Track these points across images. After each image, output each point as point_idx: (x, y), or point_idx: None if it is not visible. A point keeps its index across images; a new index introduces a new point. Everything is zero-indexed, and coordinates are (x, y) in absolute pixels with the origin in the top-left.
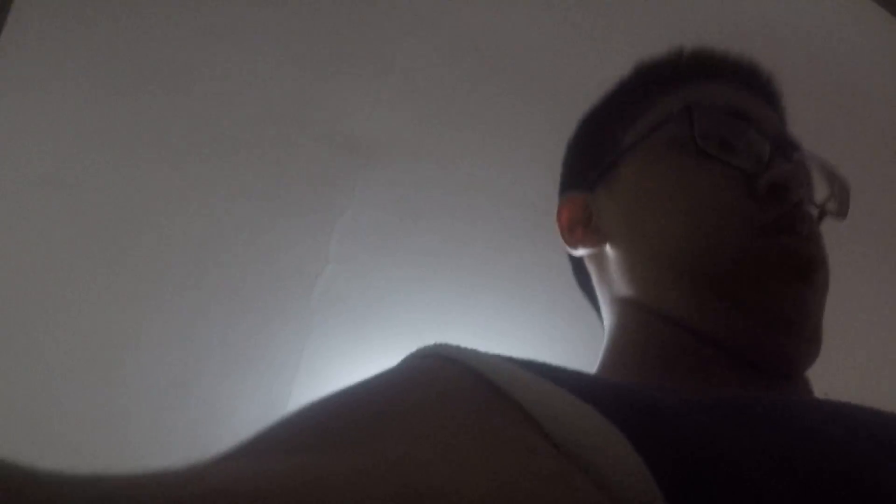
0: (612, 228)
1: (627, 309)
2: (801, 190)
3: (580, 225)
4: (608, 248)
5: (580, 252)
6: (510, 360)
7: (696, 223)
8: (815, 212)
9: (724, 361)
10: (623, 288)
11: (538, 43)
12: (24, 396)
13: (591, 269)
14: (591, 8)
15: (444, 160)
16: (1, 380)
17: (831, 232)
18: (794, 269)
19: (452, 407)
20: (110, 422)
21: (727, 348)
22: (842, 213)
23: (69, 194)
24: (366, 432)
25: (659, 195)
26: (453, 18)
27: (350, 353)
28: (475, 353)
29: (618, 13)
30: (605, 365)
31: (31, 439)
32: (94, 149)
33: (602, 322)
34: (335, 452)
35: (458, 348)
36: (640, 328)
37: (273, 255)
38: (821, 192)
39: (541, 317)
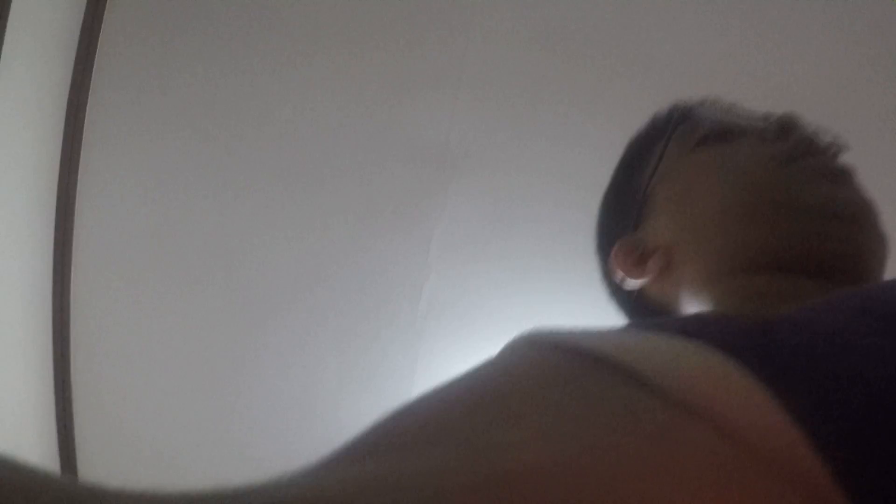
0: (666, 235)
1: (718, 283)
2: (807, 128)
3: (639, 259)
4: (675, 248)
5: (649, 274)
6: (611, 328)
7: (736, 173)
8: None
9: (816, 289)
10: (706, 265)
11: (622, 33)
12: (153, 419)
13: (660, 294)
14: None
15: (529, 162)
16: (135, 405)
17: None
18: (832, 173)
19: (549, 385)
20: (236, 439)
21: (815, 259)
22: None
23: (179, 230)
24: (461, 425)
25: (693, 178)
26: (530, 17)
27: (462, 355)
28: (568, 330)
29: None
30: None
31: (161, 458)
32: (195, 189)
33: None
34: (426, 450)
35: (549, 330)
36: (733, 290)
37: (378, 271)
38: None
39: None
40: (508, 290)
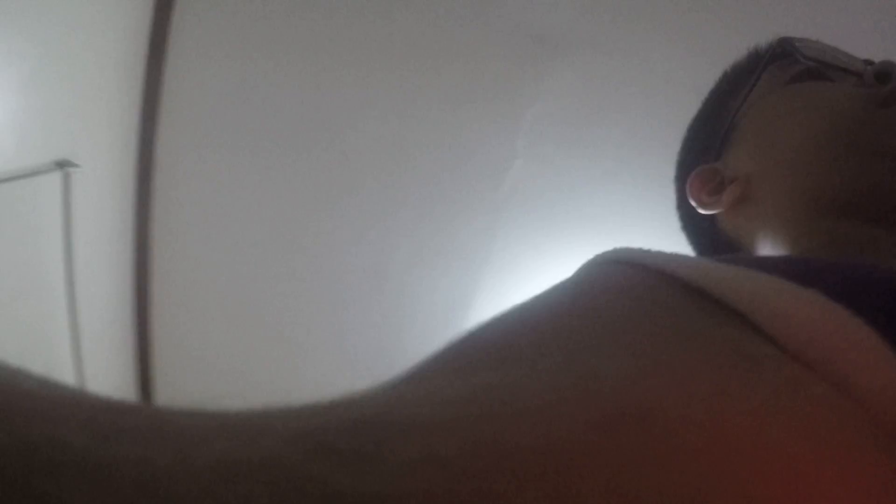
0: (746, 165)
1: (796, 223)
2: None
3: (715, 188)
4: (753, 180)
5: (724, 204)
6: (704, 258)
7: (821, 110)
8: None
9: (889, 241)
10: (786, 200)
11: None
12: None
13: (734, 227)
14: None
15: (632, 52)
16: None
17: None
18: None
19: (647, 313)
20: (315, 305)
21: (890, 209)
22: None
23: (269, 100)
24: (554, 348)
25: (779, 114)
26: None
27: (539, 248)
28: (661, 254)
29: None
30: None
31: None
32: (285, 61)
33: None
34: (522, 370)
35: (641, 251)
36: (814, 233)
37: (463, 151)
38: None
39: None
40: (595, 185)
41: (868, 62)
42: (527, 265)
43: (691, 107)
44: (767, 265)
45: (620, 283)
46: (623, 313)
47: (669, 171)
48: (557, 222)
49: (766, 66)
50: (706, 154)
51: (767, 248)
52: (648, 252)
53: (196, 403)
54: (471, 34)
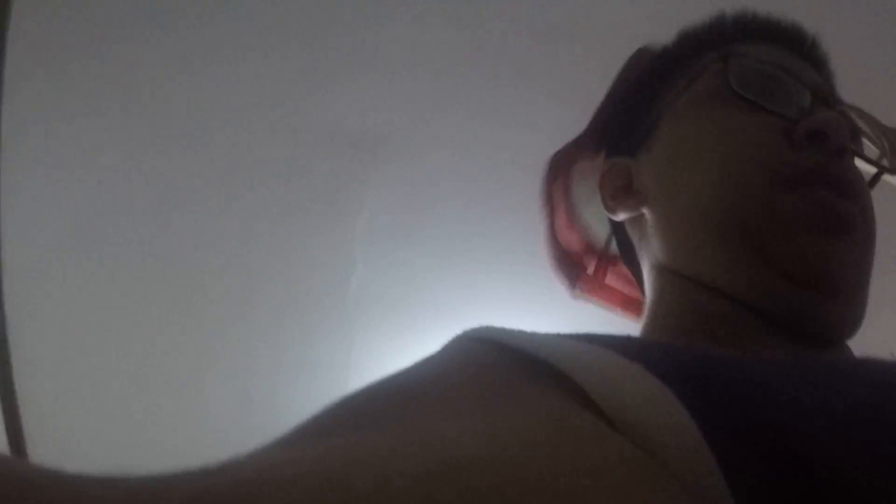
0: (649, 190)
1: (665, 276)
2: (842, 139)
3: (622, 190)
4: (646, 211)
5: (620, 217)
6: (555, 334)
7: (727, 174)
8: (869, 168)
9: (765, 328)
10: (660, 252)
11: (543, 23)
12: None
13: (633, 235)
14: None
15: (450, 145)
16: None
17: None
18: (824, 222)
19: (486, 382)
20: (168, 429)
21: (764, 311)
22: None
23: (103, 227)
24: (401, 412)
25: (692, 149)
26: (451, 5)
27: (396, 344)
28: (512, 331)
29: None
30: (645, 334)
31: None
32: (115, 189)
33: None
34: (368, 433)
35: (494, 328)
36: (677, 295)
37: (305, 266)
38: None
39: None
40: (436, 276)
41: (818, 96)
42: (387, 364)
43: (515, 188)
44: (608, 341)
45: (472, 358)
46: (468, 383)
47: (499, 254)
48: (409, 317)
49: (700, 77)
50: (627, 142)
51: (646, 266)
52: (504, 330)
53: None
54: (290, 147)
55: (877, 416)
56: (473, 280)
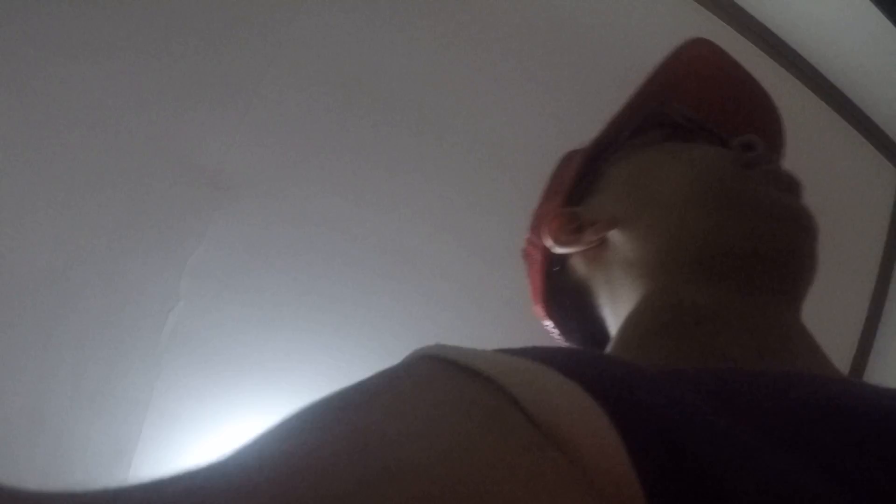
0: (611, 213)
1: (647, 279)
2: (768, 148)
3: (575, 230)
4: (614, 232)
5: (583, 245)
6: (498, 352)
7: (695, 163)
8: None
9: (740, 303)
10: (645, 254)
11: (406, 74)
12: None
13: (586, 271)
14: (466, 32)
15: (299, 196)
16: None
17: None
18: (786, 183)
19: (423, 392)
20: None
21: (760, 253)
22: None
23: None
24: (347, 420)
25: (660, 161)
26: (314, 51)
27: (200, 391)
28: (454, 347)
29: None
30: (623, 347)
31: None
32: None
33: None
34: (313, 434)
35: (439, 346)
36: (661, 293)
37: (124, 291)
38: None
39: (394, 358)
40: (259, 329)
41: (740, 136)
42: (189, 409)
43: (355, 252)
44: (545, 355)
45: (421, 373)
46: (399, 394)
47: (327, 319)
48: (218, 366)
49: (643, 121)
50: (568, 200)
51: (610, 299)
52: (445, 346)
53: None
54: (137, 164)
55: (794, 439)
56: (291, 340)
